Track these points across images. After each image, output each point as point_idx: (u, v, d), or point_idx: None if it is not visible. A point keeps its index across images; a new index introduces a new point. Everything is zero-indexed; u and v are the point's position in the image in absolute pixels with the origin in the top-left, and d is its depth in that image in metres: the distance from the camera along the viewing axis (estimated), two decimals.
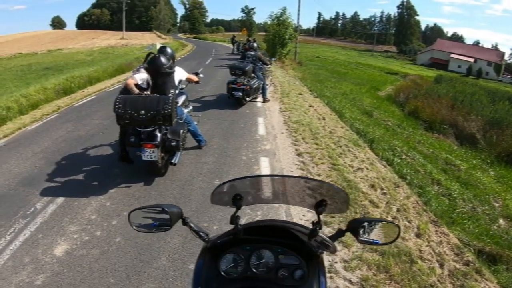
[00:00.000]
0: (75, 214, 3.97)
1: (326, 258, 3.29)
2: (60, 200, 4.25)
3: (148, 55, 5.06)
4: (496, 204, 6.41)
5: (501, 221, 5.67)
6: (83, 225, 3.77)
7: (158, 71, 4.75)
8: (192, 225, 1.43)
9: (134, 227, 1.45)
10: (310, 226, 1.39)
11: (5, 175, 4.90)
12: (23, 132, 6.85)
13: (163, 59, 4.76)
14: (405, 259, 3.45)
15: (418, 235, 4.02)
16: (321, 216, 1.40)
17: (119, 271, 3.08)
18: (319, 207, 1.39)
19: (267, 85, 10.35)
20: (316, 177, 4.98)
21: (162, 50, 5.10)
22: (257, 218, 3.79)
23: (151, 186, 4.63)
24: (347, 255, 3.40)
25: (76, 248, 3.39)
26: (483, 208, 6.00)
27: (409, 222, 4.26)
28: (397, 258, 3.43)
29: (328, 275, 3.08)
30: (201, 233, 1.44)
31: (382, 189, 5.01)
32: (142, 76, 4.80)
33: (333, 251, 1.44)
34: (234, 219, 1.40)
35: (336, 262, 3.29)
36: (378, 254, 3.45)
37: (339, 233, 1.41)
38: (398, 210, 4.46)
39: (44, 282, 2.94)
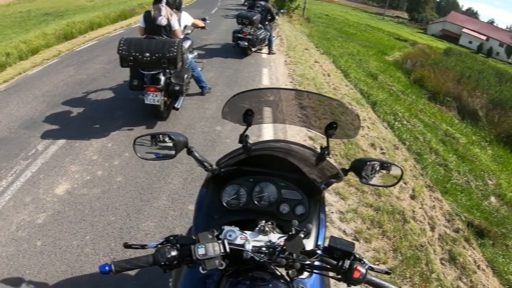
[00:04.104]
0: (77, 155, 3.95)
1: None
2: (62, 141, 4.21)
3: None
4: (490, 182, 6.46)
5: (492, 198, 5.75)
6: (85, 165, 3.76)
7: None
8: (196, 154, 1.36)
9: (139, 154, 1.38)
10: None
11: (5, 119, 4.79)
12: (23, 77, 6.64)
13: None
14: (399, 217, 3.51)
15: (412, 197, 4.08)
16: (330, 141, 1.33)
17: (119, 209, 3.11)
18: (329, 129, 1.32)
19: (273, 37, 9.99)
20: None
21: None
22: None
23: (153, 129, 4.59)
24: (343, 207, 3.43)
25: (77, 187, 3.40)
26: (477, 183, 6.05)
27: (405, 183, 4.29)
28: (391, 215, 3.48)
29: None
30: (205, 163, 1.38)
31: (381, 148, 5.01)
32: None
33: (340, 179, 1.36)
34: (243, 137, 1.33)
35: (332, 212, 3.33)
36: (373, 210, 3.49)
37: (342, 172, 1.34)
38: None
39: (45, 220, 2.96)
